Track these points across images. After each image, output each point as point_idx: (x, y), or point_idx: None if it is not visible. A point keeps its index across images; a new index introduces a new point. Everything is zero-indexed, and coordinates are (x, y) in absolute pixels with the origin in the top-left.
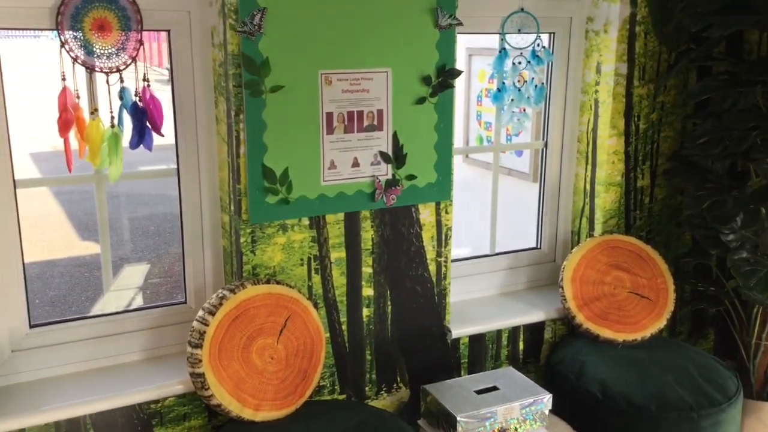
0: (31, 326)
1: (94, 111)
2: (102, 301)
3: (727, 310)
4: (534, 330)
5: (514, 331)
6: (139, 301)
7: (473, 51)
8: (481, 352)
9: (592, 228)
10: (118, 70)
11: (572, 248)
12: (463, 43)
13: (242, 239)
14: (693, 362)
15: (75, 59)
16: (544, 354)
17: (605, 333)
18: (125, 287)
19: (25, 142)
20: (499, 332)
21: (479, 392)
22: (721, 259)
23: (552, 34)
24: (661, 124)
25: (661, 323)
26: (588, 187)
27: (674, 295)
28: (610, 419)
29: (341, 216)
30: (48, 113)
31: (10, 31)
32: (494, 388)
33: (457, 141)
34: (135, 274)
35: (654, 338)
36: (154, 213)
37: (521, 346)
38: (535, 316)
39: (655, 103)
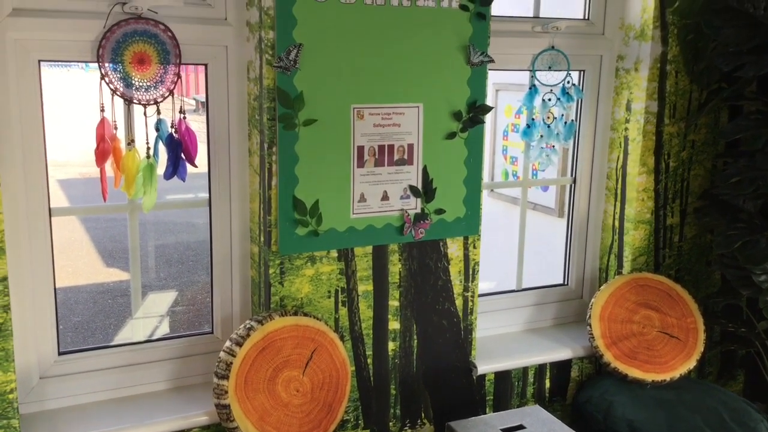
0: (60, 353)
1: (131, 142)
2: (127, 328)
3: (757, 352)
4: (561, 368)
5: (540, 368)
6: (163, 329)
7: (500, 86)
8: (507, 389)
9: (620, 265)
10: (156, 103)
11: (600, 285)
12: (490, 78)
13: (271, 270)
14: (723, 404)
15: (114, 91)
16: (571, 393)
17: (634, 373)
18: (150, 315)
19: (53, 169)
20: (525, 369)
21: (505, 431)
22: (751, 300)
23: (582, 72)
24: (692, 163)
25: (691, 364)
26: (617, 224)
27: (704, 336)
28: None
29: (369, 249)
30: (77, 141)
31: (48, 62)
32: (521, 427)
33: (483, 175)
34: (159, 301)
35: (683, 379)
36: (179, 241)
37: (547, 384)
38: (562, 353)
39: (686, 141)
